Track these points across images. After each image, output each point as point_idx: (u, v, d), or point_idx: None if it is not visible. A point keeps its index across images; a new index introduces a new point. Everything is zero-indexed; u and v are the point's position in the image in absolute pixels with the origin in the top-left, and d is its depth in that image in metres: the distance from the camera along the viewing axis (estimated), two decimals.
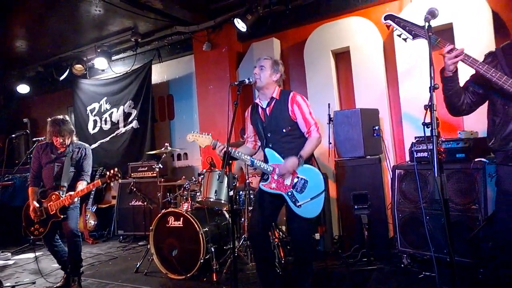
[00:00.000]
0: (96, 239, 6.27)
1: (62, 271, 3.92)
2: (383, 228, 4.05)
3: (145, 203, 5.84)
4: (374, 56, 4.81)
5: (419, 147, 3.56)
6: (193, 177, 4.43)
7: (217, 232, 4.09)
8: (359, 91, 4.93)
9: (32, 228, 3.78)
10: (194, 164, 6.61)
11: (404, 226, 3.66)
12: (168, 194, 5.30)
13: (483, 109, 2.34)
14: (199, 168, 6.30)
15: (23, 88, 7.78)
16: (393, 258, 3.82)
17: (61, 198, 3.62)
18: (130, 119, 6.90)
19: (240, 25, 5.09)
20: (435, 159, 1.83)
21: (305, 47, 5.28)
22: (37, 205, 3.69)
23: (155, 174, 5.37)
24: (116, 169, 3.66)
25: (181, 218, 3.93)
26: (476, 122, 3.72)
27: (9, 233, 5.99)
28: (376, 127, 4.23)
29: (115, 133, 7.10)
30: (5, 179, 6.27)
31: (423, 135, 2.09)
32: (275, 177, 2.86)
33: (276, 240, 4.03)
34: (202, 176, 4.12)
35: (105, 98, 7.23)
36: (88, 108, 7.46)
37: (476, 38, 4.02)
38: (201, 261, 3.73)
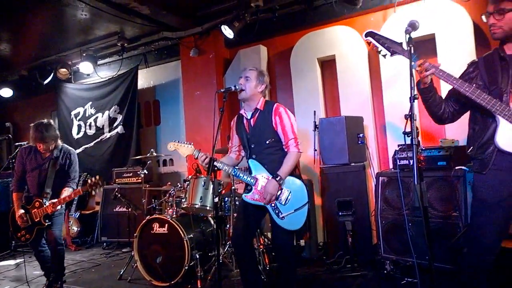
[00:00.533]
0: (79, 245, 6.17)
1: (45, 278, 3.84)
2: (367, 234, 4.08)
3: (130, 209, 5.77)
4: (359, 64, 4.89)
5: (402, 154, 3.62)
6: (178, 183, 4.42)
7: (202, 238, 4.07)
8: (344, 99, 4.99)
9: (19, 234, 3.72)
10: (180, 170, 6.57)
11: (387, 233, 3.69)
12: (153, 200, 5.25)
13: (464, 118, 2.40)
14: (184, 174, 6.26)
15: (6, 92, 7.68)
16: (377, 265, 3.84)
17: (44, 206, 3.56)
18: (115, 124, 6.82)
19: (228, 31, 5.11)
20: (415, 167, 1.88)
21: (292, 54, 5.33)
22: (22, 211, 3.62)
23: (140, 180, 5.32)
24: (97, 177, 3.52)
25: (166, 225, 3.90)
26: (458, 131, 3.81)
27: None
28: (361, 135, 4.28)
29: (100, 138, 7.01)
30: None
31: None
32: (258, 188, 2.85)
33: (261, 246, 4.02)
34: (188, 182, 4.10)
35: (90, 102, 7.14)
36: (73, 112, 7.36)
37: (458, 48, 4.13)
38: (186, 268, 3.70)
